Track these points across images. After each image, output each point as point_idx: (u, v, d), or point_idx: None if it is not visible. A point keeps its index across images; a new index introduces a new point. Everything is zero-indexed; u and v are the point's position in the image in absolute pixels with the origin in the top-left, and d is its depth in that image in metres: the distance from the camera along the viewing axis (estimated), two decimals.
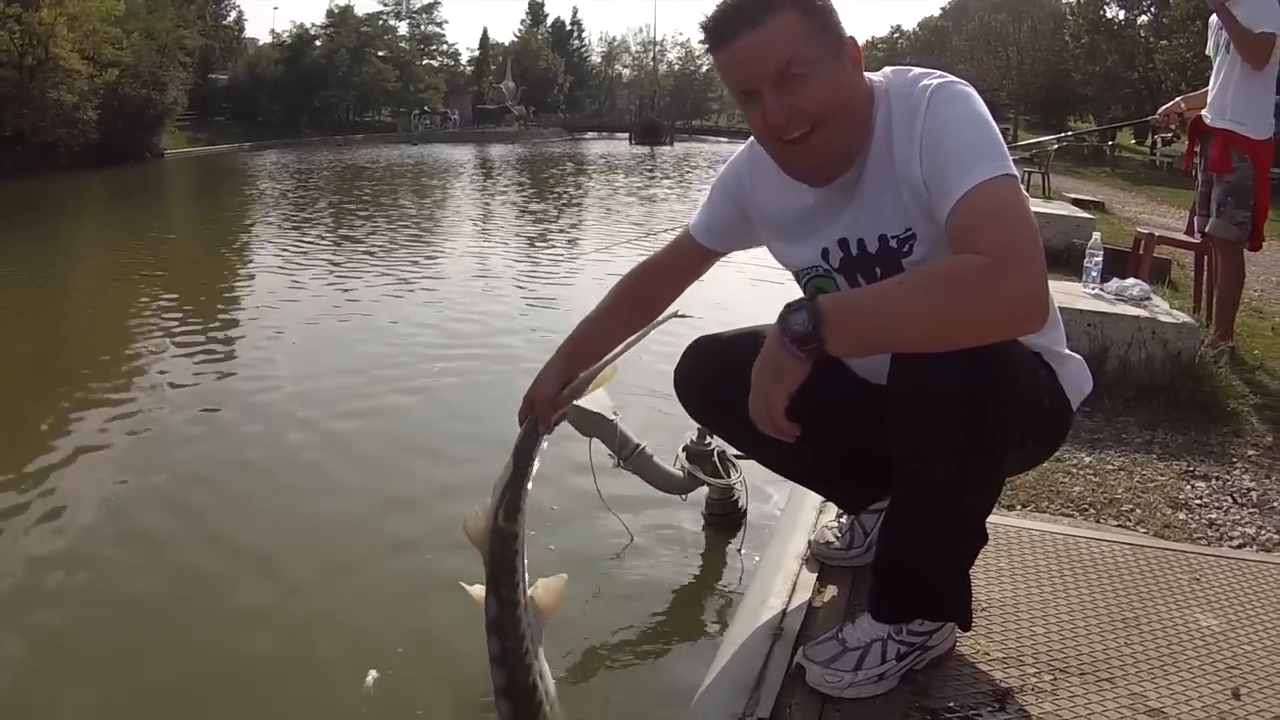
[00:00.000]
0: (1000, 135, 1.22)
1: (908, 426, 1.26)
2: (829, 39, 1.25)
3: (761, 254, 1.59)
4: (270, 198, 15.91)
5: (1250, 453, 2.76)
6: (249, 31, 53.70)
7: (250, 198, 16.21)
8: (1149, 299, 3.44)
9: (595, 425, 2.38)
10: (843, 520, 1.84)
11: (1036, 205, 7.90)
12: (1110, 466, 2.60)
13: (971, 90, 1.26)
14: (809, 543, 1.87)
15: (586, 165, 26.66)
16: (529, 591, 1.60)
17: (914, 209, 1.28)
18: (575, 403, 1.62)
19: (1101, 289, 3.51)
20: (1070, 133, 23.43)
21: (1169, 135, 19.89)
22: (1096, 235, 3.91)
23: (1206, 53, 4.00)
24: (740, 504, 2.63)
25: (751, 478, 2.63)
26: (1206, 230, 3.95)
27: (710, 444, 2.56)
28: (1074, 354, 1.45)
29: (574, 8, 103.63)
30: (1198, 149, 4.08)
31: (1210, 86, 3.90)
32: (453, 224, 12.31)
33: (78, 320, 6.66)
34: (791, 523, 2.03)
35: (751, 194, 1.50)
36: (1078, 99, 37.98)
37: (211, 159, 29.94)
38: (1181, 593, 1.74)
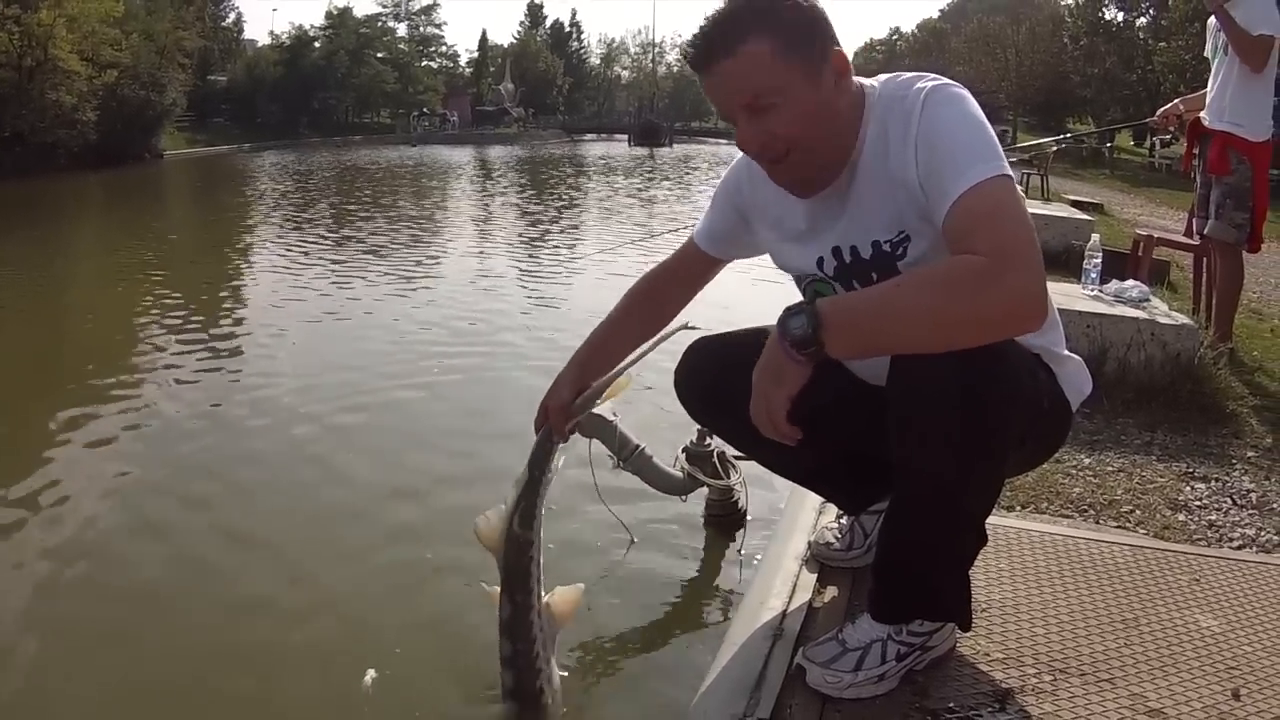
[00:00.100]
0: (995, 136, 1.23)
1: (907, 427, 1.26)
2: (805, 59, 1.25)
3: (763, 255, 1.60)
4: (270, 198, 15.90)
5: (1250, 454, 2.77)
6: (248, 33, 53.86)
7: (250, 198, 16.20)
8: (1148, 301, 3.45)
9: (595, 426, 2.38)
10: (842, 521, 1.85)
11: (1036, 207, 7.91)
12: (1110, 468, 2.61)
13: (965, 92, 1.26)
14: (809, 544, 1.87)
15: (586, 167, 26.66)
16: (545, 598, 1.63)
17: (909, 212, 1.28)
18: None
19: (1100, 291, 3.52)
20: (1069, 134, 23.42)
21: (1168, 137, 19.94)
22: (1095, 237, 3.91)
23: (1205, 55, 4.00)
24: (740, 505, 2.63)
25: (751, 479, 2.63)
26: (1205, 232, 3.96)
27: (710, 445, 2.56)
28: (1073, 355, 1.46)
29: (573, 9, 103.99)
30: (1196, 151, 4.08)
31: (1209, 88, 3.91)
32: (453, 225, 12.31)
33: (79, 320, 6.65)
34: (791, 524, 2.03)
35: (751, 200, 1.51)
36: (1076, 101, 38.01)
37: (210, 160, 29.93)
38: (1181, 594, 1.74)
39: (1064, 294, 3.47)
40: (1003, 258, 1.10)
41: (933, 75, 1.29)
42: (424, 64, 62.37)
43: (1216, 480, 2.55)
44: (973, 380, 1.19)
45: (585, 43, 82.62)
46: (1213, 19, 3.81)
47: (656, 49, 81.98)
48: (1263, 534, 2.22)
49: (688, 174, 23.05)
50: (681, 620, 2.28)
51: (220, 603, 2.38)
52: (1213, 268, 4.10)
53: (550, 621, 1.66)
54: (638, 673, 2.04)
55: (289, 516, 2.94)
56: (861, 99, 1.32)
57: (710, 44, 1.25)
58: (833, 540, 1.82)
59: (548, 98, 69.19)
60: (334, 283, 7.36)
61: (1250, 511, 2.35)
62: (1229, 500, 2.42)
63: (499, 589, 1.61)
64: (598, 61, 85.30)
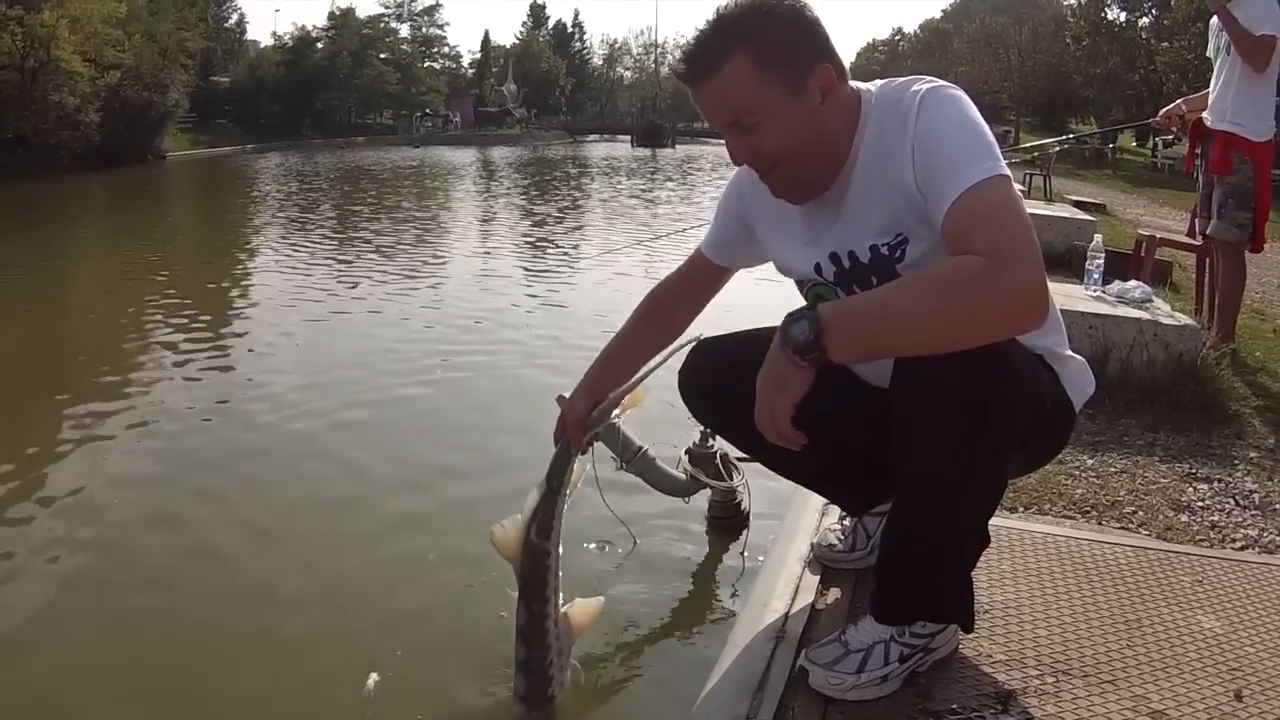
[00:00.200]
0: (991, 136, 1.23)
1: (910, 429, 1.26)
2: (788, 79, 1.26)
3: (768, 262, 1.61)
4: (275, 199, 15.92)
5: (1252, 455, 2.76)
6: (251, 34, 53.92)
7: (254, 199, 16.21)
8: (1150, 301, 3.44)
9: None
10: (845, 523, 1.85)
11: (1038, 208, 7.91)
12: (1112, 469, 2.60)
13: (961, 94, 1.27)
14: (811, 545, 1.87)
15: (589, 167, 26.66)
16: (563, 608, 1.66)
17: (907, 215, 1.28)
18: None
19: (1103, 291, 3.52)
20: (1072, 135, 23.42)
21: (1170, 137, 19.88)
22: (1098, 237, 3.91)
23: (1207, 55, 4.00)
24: (743, 506, 2.63)
25: (754, 480, 2.64)
26: (1208, 232, 3.95)
27: (713, 447, 2.56)
28: (1076, 355, 1.46)
29: (575, 10, 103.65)
30: (1198, 151, 4.08)
31: (1211, 89, 3.91)
32: (457, 225, 12.32)
33: (84, 320, 6.67)
34: (794, 525, 2.03)
35: (752, 207, 1.53)
36: (1079, 101, 37.98)
37: (213, 161, 29.95)
38: (1184, 595, 1.74)
39: (1066, 294, 3.47)
40: (1001, 257, 1.10)
41: (929, 78, 1.30)
42: (426, 65, 62.40)
43: (1219, 481, 2.54)
44: (975, 381, 1.19)
45: (588, 43, 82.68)
46: (1215, 19, 3.81)
47: (659, 49, 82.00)
48: (1265, 535, 2.22)
49: (690, 175, 23.04)
50: (684, 622, 2.28)
51: (228, 592, 2.42)
52: (1215, 268, 4.10)
53: (567, 631, 1.69)
54: (640, 674, 2.04)
55: (297, 508, 2.99)
56: (857, 105, 1.32)
57: (693, 64, 1.28)
58: (835, 542, 1.82)
59: (550, 98, 69.19)
60: (340, 282, 7.39)
61: (1253, 512, 2.35)
62: (1232, 501, 2.41)
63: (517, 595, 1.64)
64: (600, 62, 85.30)
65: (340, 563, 2.60)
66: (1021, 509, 2.28)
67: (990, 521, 1.41)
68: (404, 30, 62.85)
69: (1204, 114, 3.94)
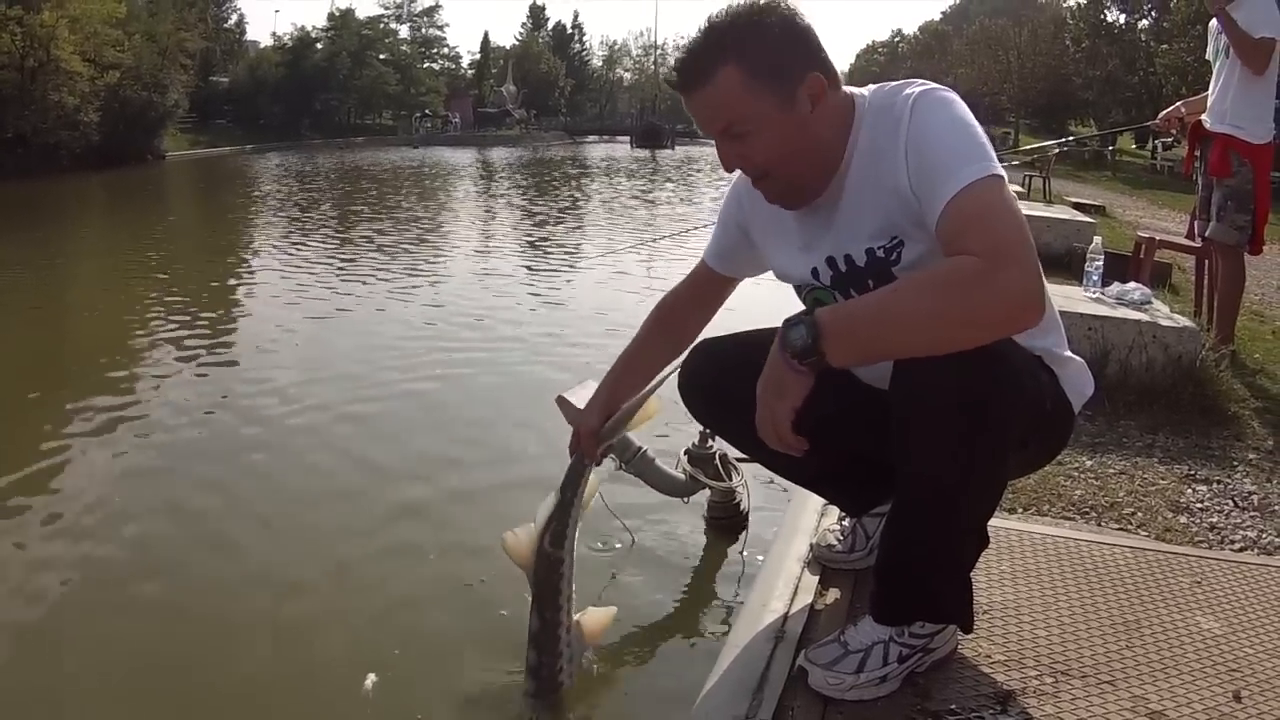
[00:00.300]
0: (985, 137, 1.23)
1: (909, 430, 1.27)
2: (777, 89, 1.26)
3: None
4: (275, 199, 15.91)
5: (1251, 456, 2.77)
6: (250, 34, 53.83)
7: (254, 199, 16.19)
8: (1150, 303, 3.45)
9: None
10: (844, 523, 1.85)
11: (1038, 209, 7.92)
12: (1111, 470, 2.61)
13: (954, 95, 1.27)
14: (811, 546, 1.87)
15: (589, 168, 26.65)
16: (576, 616, 1.68)
17: (901, 217, 1.29)
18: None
19: (1102, 293, 3.52)
20: (1071, 137, 23.42)
21: (1169, 140, 19.89)
22: (1097, 239, 3.92)
23: (1207, 57, 4.00)
24: (742, 507, 2.63)
25: (753, 481, 2.64)
26: (1207, 234, 3.96)
27: (712, 447, 2.56)
28: (1075, 357, 1.46)
29: (575, 11, 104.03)
30: (1198, 153, 4.08)
31: (1210, 91, 3.91)
32: (457, 226, 12.31)
33: (85, 318, 6.67)
34: (793, 526, 2.04)
35: (750, 214, 1.53)
36: (1078, 103, 37.97)
37: (213, 161, 29.93)
38: (1183, 596, 1.74)
39: (1066, 296, 3.47)
40: (996, 257, 1.11)
41: (921, 81, 1.31)
42: (426, 66, 62.35)
43: (1218, 482, 2.55)
44: (974, 382, 1.19)
45: (587, 45, 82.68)
46: (1214, 21, 3.81)
47: (659, 51, 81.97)
48: (1264, 536, 2.22)
49: (690, 176, 23.04)
50: (683, 622, 2.29)
51: (231, 583, 2.44)
52: (1214, 270, 4.10)
53: (579, 639, 1.72)
54: (640, 675, 2.04)
55: (299, 501, 3.01)
56: (850, 110, 1.33)
57: (685, 73, 1.29)
58: (835, 542, 1.83)
59: (550, 99, 69.16)
60: (341, 280, 7.40)
61: (1252, 513, 2.35)
62: (1230, 502, 2.42)
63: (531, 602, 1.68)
64: (600, 63, 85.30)
65: (342, 553, 2.61)
66: (1021, 510, 2.29)
67: (989, 522, 1.41)
68: (403, 31, 62.92)
69: (1203, 116, 3.95)
